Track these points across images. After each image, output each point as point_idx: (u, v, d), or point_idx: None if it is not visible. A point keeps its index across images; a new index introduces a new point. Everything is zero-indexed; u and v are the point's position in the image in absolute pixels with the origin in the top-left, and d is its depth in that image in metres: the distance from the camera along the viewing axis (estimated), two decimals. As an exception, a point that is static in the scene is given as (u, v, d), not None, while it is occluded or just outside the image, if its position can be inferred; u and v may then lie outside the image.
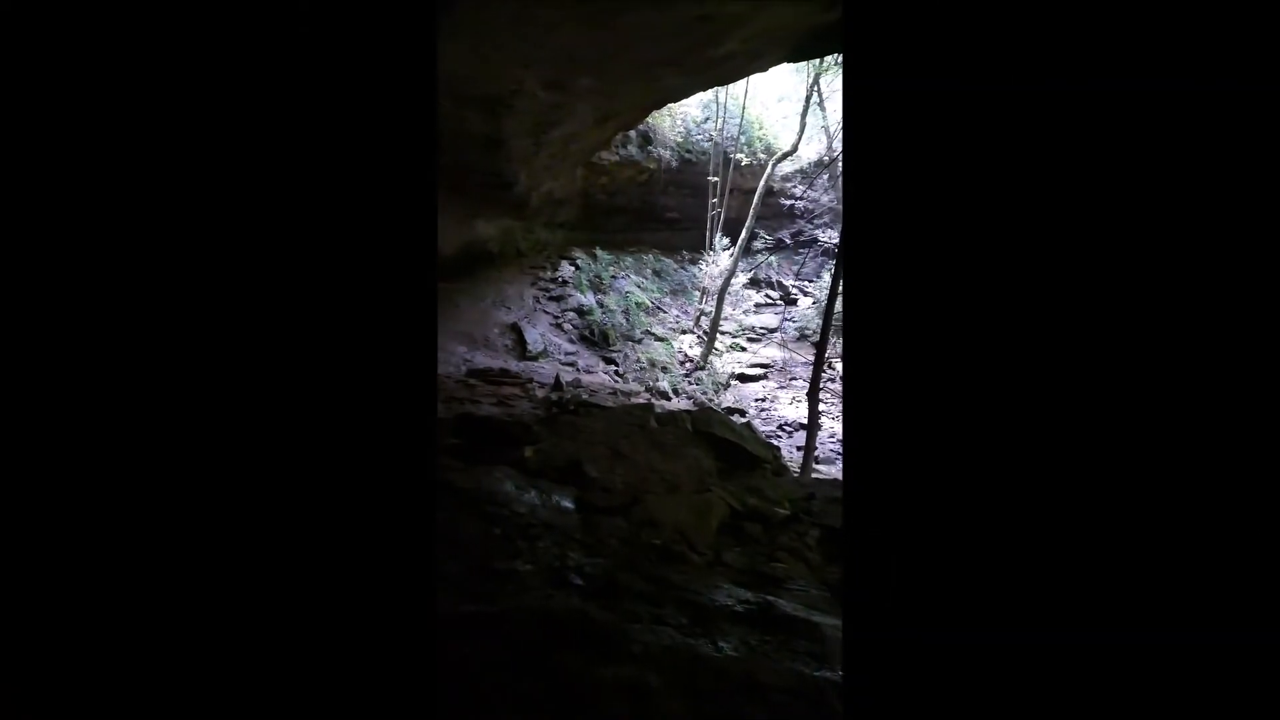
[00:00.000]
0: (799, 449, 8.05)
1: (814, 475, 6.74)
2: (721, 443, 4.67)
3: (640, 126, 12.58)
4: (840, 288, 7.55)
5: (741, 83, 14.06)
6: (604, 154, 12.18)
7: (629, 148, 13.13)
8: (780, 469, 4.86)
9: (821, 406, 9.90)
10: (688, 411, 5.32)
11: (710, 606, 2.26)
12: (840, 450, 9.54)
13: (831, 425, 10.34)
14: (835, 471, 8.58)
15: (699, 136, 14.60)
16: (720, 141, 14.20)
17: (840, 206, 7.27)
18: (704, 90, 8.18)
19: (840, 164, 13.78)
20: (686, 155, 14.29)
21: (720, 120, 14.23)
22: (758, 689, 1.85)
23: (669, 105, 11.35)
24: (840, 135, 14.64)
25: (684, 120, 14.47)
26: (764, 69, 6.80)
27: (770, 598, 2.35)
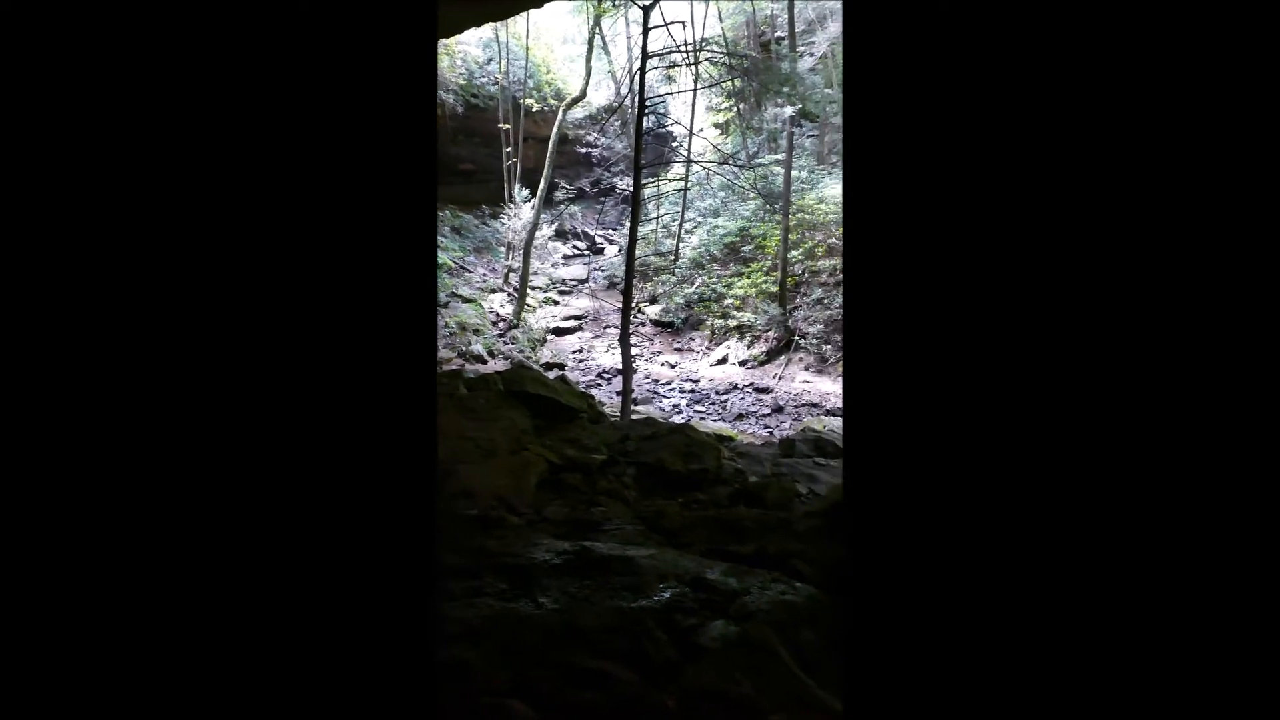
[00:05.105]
0: (618, 394, 8.36)
1: (633, 416, 7.07)
2: (535, 399, 4.61)
3: (414, 67, 11.35)
4: (638, 233, 7.77)
5: (522, 21, 13.37)
6: (375, 98, 10.79)
7: (405, 91, 11.82)
8: (597, 416, 4.96)
9: (635, 351, 10.35)
10: (498, 373, 5.14)
11: (529, 566, 2.23)
12: (655, 389, 10.13)
13: (646, 367, 10.89)
14: (653, 410, 9.11)
15: (483, 80, 13.70)
16: (507, 86, 13.48)
17: (632, 153, 7.39)
18: (477, 25, 7.58)
19: (628, 108, 13.99)
20: (473, 100, 13.35)
21: (504, 62, 13.46)
22: (580, 634, 1.87)
23: (443, 41, 10.37)
24: (626, 80, 14.80)
25: (464, 61, 13.42)
26: (539, 4, 6.47)
27: (586, 543, 2.39)
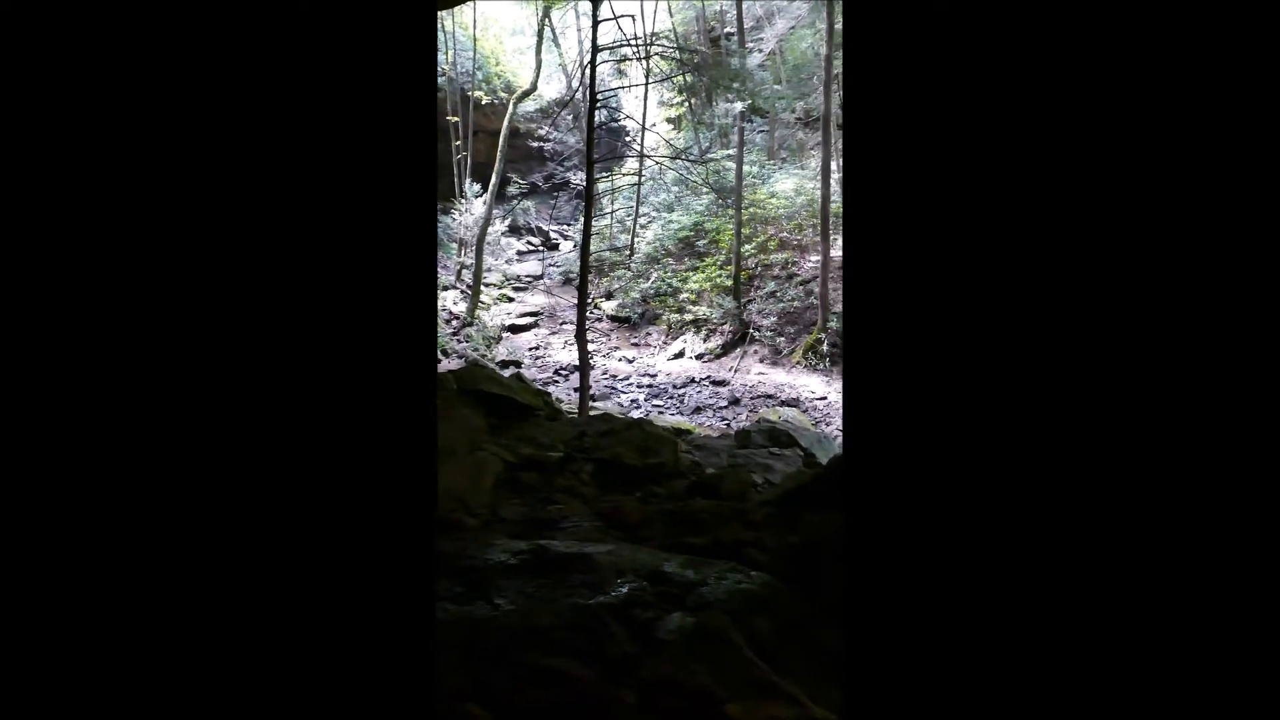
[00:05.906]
0: (576, 390, 8.31)
1: (591, 412, 7.04)
2: (491, 398, 4.53)
3: (356, 56, 10.94)
4: (592, 228, 7.73)
5: (469, 12, 13.06)
6: (314, 88, 10.35)
7: (346, 81, 11.38)
8: (554, 413, 4.92)
9: (591, 346, 10.32)
10: (452, 372, 5.04)
11: (484, 568, 2.19)
12: (613, 385, 10.13)
13: (603, 363, 10.87)
14: (611, 406, 9.11)
15: (430, 71, 13.30)
16: (455, 78, 13.15)
17: (585, 147, 7.32)
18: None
19: (580, 102, 13.88)
20: (419, 92, 12.95)
21: (452, 52, 13.12)
22: (537, 633, 1.86)
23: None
24: (577, 74, 14.67)
25: (409, 51, 13.00)
26: (485, -5, 6.33)
27: (543, 542, 2.37)
